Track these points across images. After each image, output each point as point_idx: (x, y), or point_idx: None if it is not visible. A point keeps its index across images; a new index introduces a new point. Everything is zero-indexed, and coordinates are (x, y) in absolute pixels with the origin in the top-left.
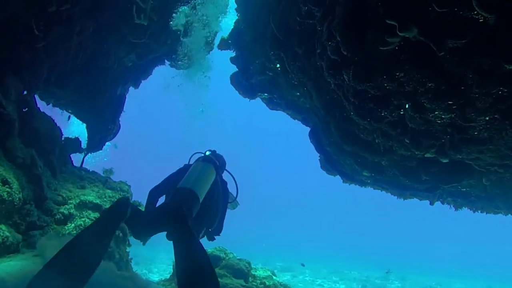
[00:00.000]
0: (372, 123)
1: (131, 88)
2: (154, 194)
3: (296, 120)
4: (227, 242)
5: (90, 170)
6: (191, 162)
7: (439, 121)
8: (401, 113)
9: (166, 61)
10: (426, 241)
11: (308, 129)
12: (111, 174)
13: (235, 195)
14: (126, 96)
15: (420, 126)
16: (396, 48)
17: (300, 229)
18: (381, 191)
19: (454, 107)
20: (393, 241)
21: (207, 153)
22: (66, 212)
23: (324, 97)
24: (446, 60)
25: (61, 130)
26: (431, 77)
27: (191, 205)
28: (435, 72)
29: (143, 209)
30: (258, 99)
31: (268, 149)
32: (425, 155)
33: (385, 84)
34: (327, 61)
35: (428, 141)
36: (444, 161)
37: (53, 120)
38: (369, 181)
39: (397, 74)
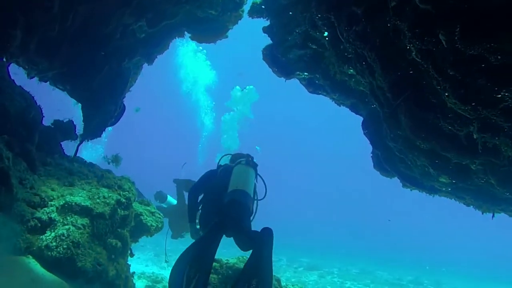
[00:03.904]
0: (478, 109)
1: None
2: (195, 193)
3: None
4: None
5: (87, 162)
6: (221, 163)
7: None
8: None
9: (185, 32)
10: (457, 239)
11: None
12: (118, 164)
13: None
14: (138, 74)
15: None
16: None
17: (325, 223)
18: (455, 200)
19: None
20: (422, 239)
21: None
22: (44, 217)
23: (393, 73)
24: None
25: (42, 111)
26: None
27: (250, 204)
28: None
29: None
30: None
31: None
32: None
33: None
34: (410, 17)
35: None
36: None
37: (32, 98)
38: (444, 188)
39: None
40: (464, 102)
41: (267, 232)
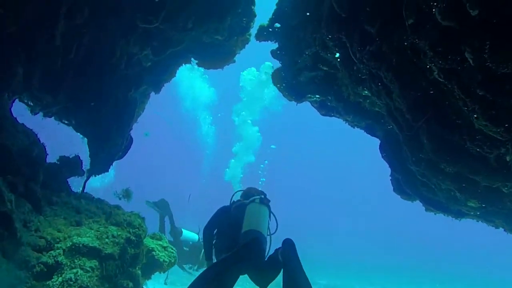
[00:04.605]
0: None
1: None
2: (209, 231)
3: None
4: None
5: (95, 198)
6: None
7: None
8: None
9: (192, 58)
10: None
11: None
12: (129, 198)
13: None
14: (145, 103)
15: None
16: None
17: (342, 240)
18: (483, 223)
19: None
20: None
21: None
22: (50, 261)
23: (412, 93)
24: None
25: (45, 149)
26: None
27: (264, 246)
28: None
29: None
30: None
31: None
32: None
33: None
34: (431, 34)
35: None
36: None
37: (36, 135)
38: (472, 212)
39: None
40: (496, 123)
41: (287, 242)
